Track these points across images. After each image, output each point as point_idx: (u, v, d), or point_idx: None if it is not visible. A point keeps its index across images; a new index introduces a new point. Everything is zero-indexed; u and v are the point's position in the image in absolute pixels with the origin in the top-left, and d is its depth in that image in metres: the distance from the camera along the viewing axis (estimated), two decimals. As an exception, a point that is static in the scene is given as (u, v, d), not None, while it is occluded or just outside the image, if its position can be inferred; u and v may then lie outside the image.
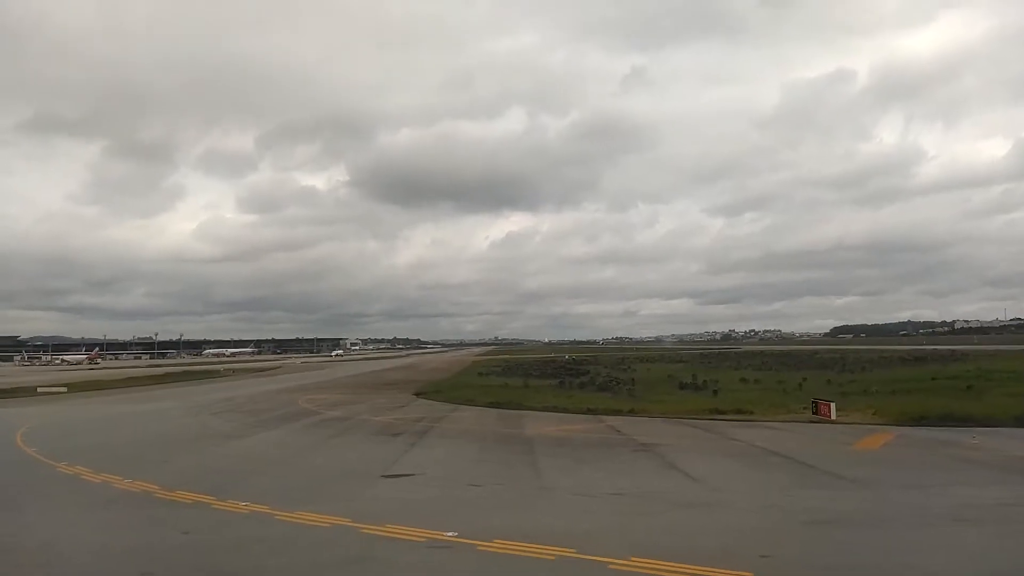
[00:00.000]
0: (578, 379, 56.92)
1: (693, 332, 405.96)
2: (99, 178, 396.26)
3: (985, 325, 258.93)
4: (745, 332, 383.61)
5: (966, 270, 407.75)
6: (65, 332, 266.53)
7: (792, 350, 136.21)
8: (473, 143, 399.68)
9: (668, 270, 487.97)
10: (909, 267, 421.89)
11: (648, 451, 21.25)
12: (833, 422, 26.54)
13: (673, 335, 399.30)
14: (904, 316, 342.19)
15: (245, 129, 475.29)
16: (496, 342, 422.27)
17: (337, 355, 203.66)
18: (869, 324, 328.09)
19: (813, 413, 28.11)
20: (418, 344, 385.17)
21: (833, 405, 27.72)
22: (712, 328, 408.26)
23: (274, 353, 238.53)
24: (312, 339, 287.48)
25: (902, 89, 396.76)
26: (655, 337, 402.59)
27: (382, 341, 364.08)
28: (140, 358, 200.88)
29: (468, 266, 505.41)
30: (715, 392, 40.97)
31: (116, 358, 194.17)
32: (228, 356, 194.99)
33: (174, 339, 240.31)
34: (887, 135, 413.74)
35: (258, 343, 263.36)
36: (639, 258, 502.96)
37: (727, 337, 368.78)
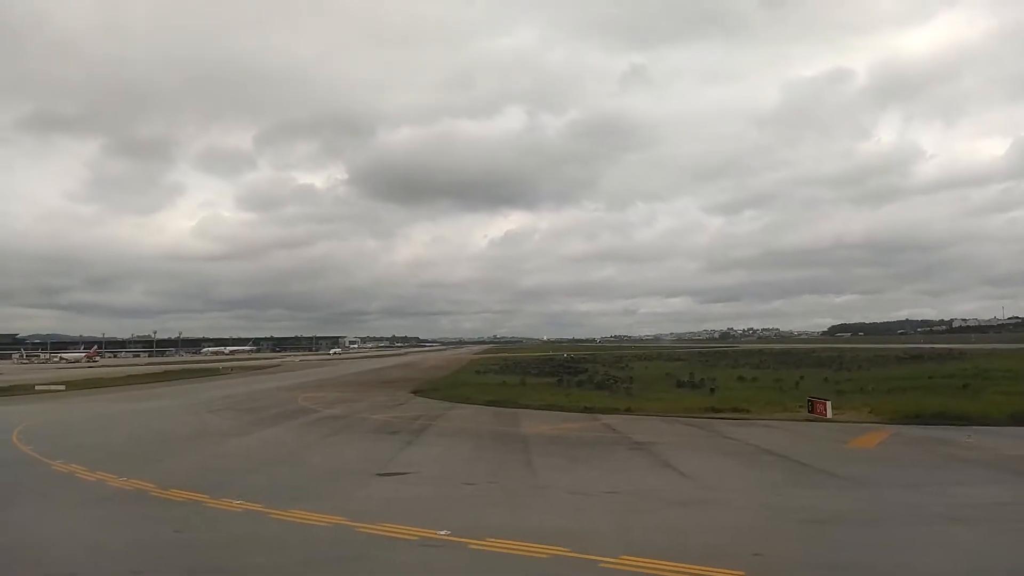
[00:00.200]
0: (576, 377, 56.92)
1: (692, 330, 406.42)
2: (98, 176, 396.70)
3: (983, 324, 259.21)
4: (744, 330, 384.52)
5: (964, 269, 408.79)
6: (64, 330, 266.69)
7: (790, 348, 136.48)
8: (472, 141, 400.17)
9: (667, 268, 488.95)
10: (907, 266, 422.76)
11: (643, 449, 21.26)
12: (829, 420, 26.54)
13: (672, 333, 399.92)
14: (902, 315, 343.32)
15: (244, 127, 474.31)
16: (495, 340, 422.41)
17: (335, 353, 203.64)
18: (867, 323, 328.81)
19: (809, 411, 28.12)
20: (417, 342, 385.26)
21: (829, 403, 27.74)
22: (711, 326, 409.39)
23: (273, 351, 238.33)
24: (311, 337, 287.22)
25: (901, 88, 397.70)
26: (654, 335, 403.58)
27: (381, 339, 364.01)
28: (139, 356, 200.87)
29: (467, 264, 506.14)
30: (712, 390, 40.98)
31: (115, 356, 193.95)
32: (227, 354, 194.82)
33: (173, 337, 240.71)
34: (886, 134, 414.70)
35: (257, 341, 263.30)
36: (638, 256, 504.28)
37: (726, 335, 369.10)
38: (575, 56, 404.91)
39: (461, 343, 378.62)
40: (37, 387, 57.88)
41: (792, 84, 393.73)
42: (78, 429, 31.55)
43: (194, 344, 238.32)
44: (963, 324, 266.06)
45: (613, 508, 14.14)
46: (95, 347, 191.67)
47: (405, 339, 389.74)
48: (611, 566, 9.65)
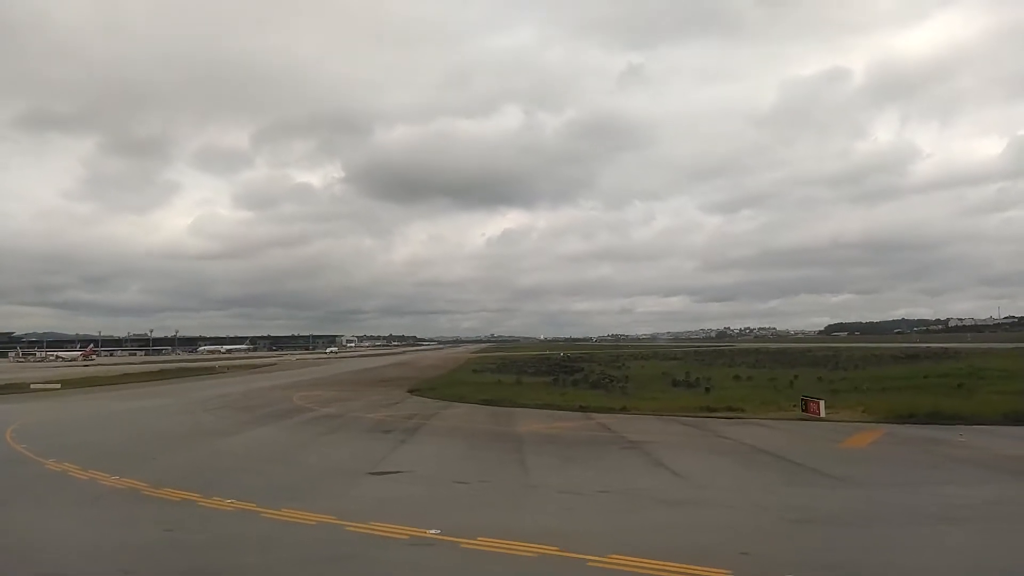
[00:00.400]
0: (572, 376, 57.00)
1: (689, 329, 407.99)
2: (94, 174, 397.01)
3: (979, 323, 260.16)
4: (740, 330, 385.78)
5: (961, 268, 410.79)
6: (60, 328, 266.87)
7: (786, 348, 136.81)
8: (470, 140, 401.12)
9: (664, 268, 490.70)
10: (904, 265, 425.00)
11: (637, 449, 21.29)
12: (822, 420, 26.61)
13: (669, 333, 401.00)
14: (899, 314, 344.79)
15: (241, 125, 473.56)
16: (492, 339, 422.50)
17: (332, 352, 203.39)
18: (864, 322, 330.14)
19: (802, 411, 28.18)
20: (414, 341, 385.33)
21: (822, 403, 27.81)
22: (708, 325, 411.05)
23: (269, 350, 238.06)
24: (308, 336, 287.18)
25: (898, 87, 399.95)
26: (651, 335, 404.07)
27: (378, 338, 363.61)
28: (135, 355, 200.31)
29: (464, 263, 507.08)
30: (707, 390, 41.05)
31: (111, 355, 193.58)
32: (223, 353, 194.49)
33: (169, 336, 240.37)
34: (883, 133, 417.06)
35: (254, 340, 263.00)
36: (635, 255, 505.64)
37: (722, 335, 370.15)
38: (573, 55, 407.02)
39: (458, 342, 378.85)
40: (32, 386, 57.83)
41: (789, 83, 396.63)
42: (72, 428, 31.46)
43: (190, 343, 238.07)
44: (959, 323, 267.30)
45: (604, 507, 14.17)
46: (91, 345, 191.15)
47: (402, 338, 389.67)
48: (599, 565, 9.68)
